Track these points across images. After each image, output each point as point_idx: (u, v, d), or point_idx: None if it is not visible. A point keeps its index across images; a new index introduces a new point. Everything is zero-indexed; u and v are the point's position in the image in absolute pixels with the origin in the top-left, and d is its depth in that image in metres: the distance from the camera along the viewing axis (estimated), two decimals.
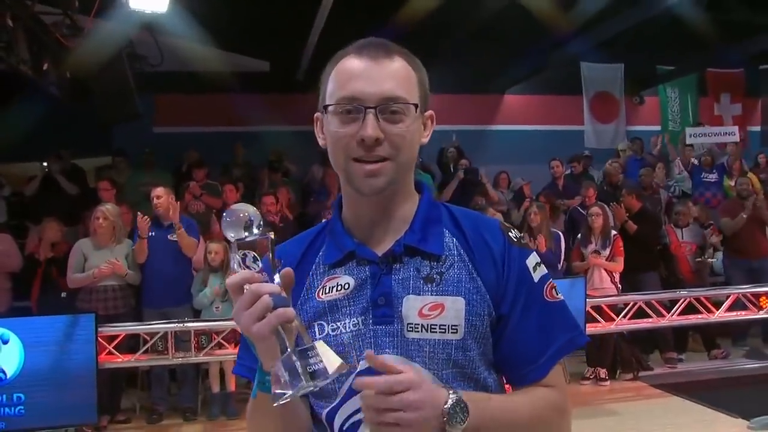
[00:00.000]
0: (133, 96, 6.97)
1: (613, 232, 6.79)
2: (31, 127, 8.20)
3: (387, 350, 1.21)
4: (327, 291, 1.27)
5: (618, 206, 7.13)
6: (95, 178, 8.45)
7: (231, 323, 5.10)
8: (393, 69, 1.23)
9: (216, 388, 5.99)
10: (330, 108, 1.23)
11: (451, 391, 1.12)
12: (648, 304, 6.30)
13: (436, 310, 1.22)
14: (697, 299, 6.34)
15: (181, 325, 5.45)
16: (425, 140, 1.31)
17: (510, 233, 1.31)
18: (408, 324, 1.21)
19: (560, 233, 6.93)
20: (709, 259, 7.69)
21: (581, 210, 7.62)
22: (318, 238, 1.35)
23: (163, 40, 7.28)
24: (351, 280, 1.26)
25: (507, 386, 1.33)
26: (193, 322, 5.55)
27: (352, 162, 1.22)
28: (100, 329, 5.20)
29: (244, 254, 1.09)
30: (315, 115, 1.31)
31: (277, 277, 1.09)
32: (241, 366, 1.35)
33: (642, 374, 6.81)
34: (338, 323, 1.25)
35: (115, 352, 5.37)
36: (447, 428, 1.09)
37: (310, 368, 1.04)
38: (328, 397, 1.25)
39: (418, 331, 1.21)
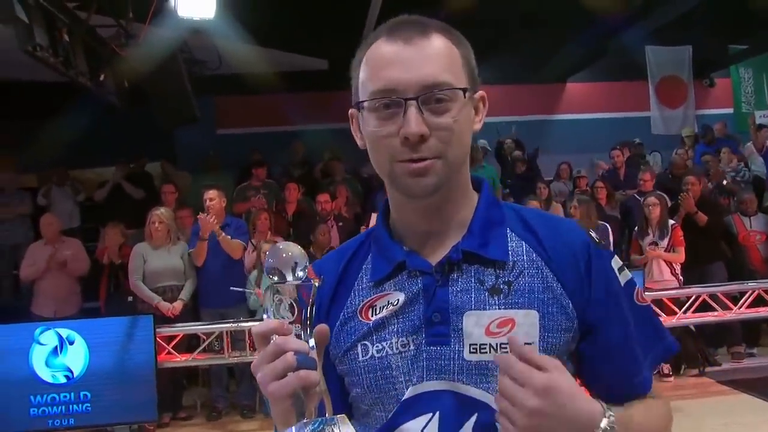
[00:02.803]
0: (191, 100, 7.19)
1: (671, 221, 6.53)
2: (103, 133, 8.57)
3: (441, 376, 1.06)
4: (377, 311, 1.11)
5: (687, 196, 6.79)
6: (160, 182, 8.73)
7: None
8: (432, 49, 1.05)
9: None
10: (365, 104, 1.07)
11: (606, 409, 0.97)
12: (713, 296, 6.05)
13: (505, 327, 1.05)
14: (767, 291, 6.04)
15: (236, 325, 5.58)
16: (478, 126, 1.13)
17: (592, 234, 1.15)
18: (471, 345, 1.05)
19: (606, 225, 6.72)
20: None
21: (638, 197, 7.36)
22: (361, 249, 1.19)
23: (222, 44, 7.46)
24: (401, 296, 1.09)
25: None
26: (247, 321, 5.66)
27: (397, 163, 1.05)
28: (158, 330, 5.40)
29: (280, 300, 0.97)
30: (349, 111, 1.14)
31: (312, 342, 0.97)
32: None
33: (708, 370, 6.53)
34: (384, 343, 1.09)
35: (174, 351, 5.55)
36: None
37: None
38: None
39: (484, 352, 1.05)
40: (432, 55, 1.05)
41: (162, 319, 5.70)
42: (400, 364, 1.08)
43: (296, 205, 7.45)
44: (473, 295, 1.07)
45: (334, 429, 0.93)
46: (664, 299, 6.01)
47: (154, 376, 5.24)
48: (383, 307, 1.10)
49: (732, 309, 6.05)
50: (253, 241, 6.33)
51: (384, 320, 1.10)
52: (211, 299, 6.11)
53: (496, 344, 1.05)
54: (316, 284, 0.97)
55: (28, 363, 5.13)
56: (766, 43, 10.73)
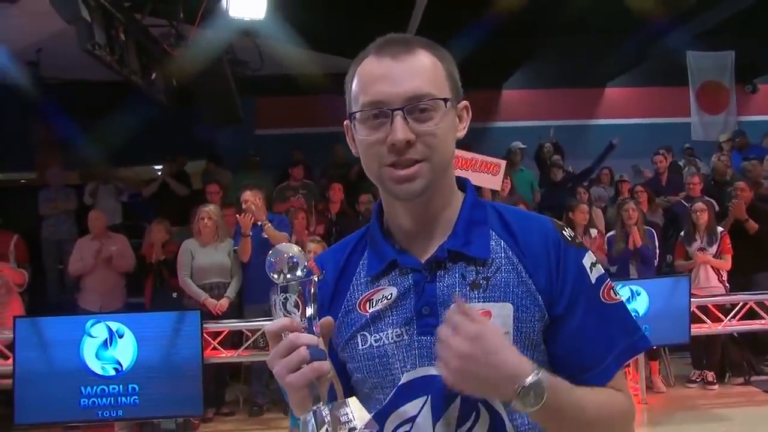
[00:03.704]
0: (235, 100, 7.30)
1: (720, 228, 6.47)
2: (143, 132, 8.70)
3: (433, 362, 1.14)
4: (373, 304, 1.22)
5: (739, 202, 6.68)
6: (202, 181, 8.85)
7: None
8: (416, 64, 1.16)
9: None
10: (356, 115, 1.17)
11: (536, 369, 1.05)
12: (760, 304, 5.97)
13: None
14: None
15: None
16: (461, 133, 1.23)
17: (564, 232, 1.23)
18: None
19: (653, 230, 6.68)
20: None
21: (685, 204, 7.29)
22: (358, 246, 1.30)
23: (263, 45, 7.54)
24: (394, 290, 1.21)
25: None
26: None
27: (386, 168, 1.16)
28: (205, 325, 5.46)
29: (286, 298, 1.05)
30: (344, 123, 1.25)
31: (318, 333, 1.06)
32: None
33: (754, 379, 6.45)
34: (381, 333, 1.20)
35: (219, 347, 5.62)
36: (513, 403, 1.05)
37: (340, 423, 1.01)
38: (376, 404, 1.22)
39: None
40: (417, 70, 1.16)
41: (208, 315, 5.77)
42: (395, 352, 1.19)
43: (339, 205, 7.49)
44: (457, 290, 1.18)
45: (347, 410, 1.02)
46: (710, 306, 5.95)
47: (201, 371, 5.29)
48: (379, 300, 1.22)
49: None
50: (292, 240, 6.38)
51: (380, 313, 1.21)
52: (256, 295, 6.17)
53: None
54: (316, 278, 1.06)
55: (79, 354, 5.21)
56: None
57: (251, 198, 6.10)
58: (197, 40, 6.16)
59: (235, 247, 6.16)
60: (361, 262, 1.27)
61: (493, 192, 6.56)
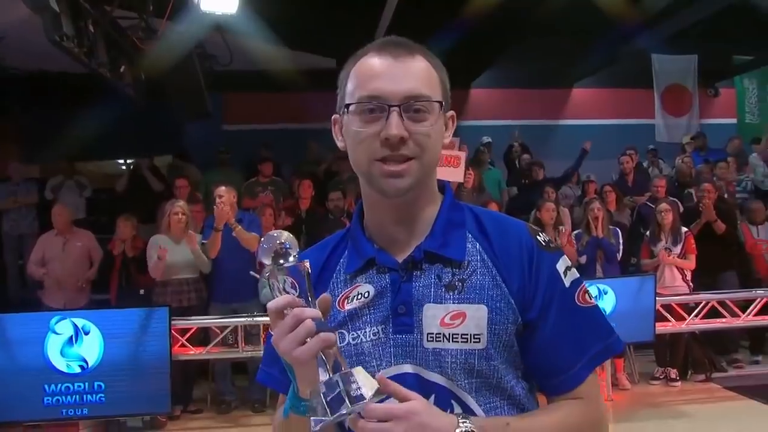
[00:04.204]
0: (204, 95, 7.20)
1: (684, 228, 6.60)
2: (109, 126, 8.53)
3: (407, 360, 1.18)
4: (350, 300, 1.23)
5: (708, 204, 6.83)
6: (168, 176, 8.72)
7: None
8: (415, 67, 1.19)
9: None
10: (351, 107, 1.19)
11: (461, 420, 1.08)
12: (722, 303, 6.12)
13: (457, 319, 1.17)
14: None
15: (251, 319, 5.60)
16: (447, 140, 1.27)
17: (538, 237, 1.25)
18: (428, 334, 1.18)
19: (618, 230, 6.81)
20: None
21: (650, 205, 7.43)
22: (340, 245, 1.31)
23: (232, 40, 7.45)
24: (371, 288, 1.22)
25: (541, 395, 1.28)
26: (262, 316, 5.68)
27: (375, 162, 1.17)
28: (173, 322, 5.40)
29: (284, 280, 1.09)
30: (333, 117, 1.27)
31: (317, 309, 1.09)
32: (267, 375, 1.32)
33: (715, 376, 6.60)
34: (359, 332, 1.21)
35: (188, 344, 5.56)
36: None
37: (351, 393, 1.02)
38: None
39: (439, 341, 1.17)
40: (415, 72, 1.19)
41: (178, 311, 5.70)
42: (372, 350, 1.20)
43: (309, 201, 7.46)
44: (432, 290, 1.19)
45: (356, 378, 1.04)
46: (674, 305, 6.07)
47: (169, 368, 5.24)
48: (355, 297, 1.23)
49: (740, 316, 6.11)
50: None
51: (357, 311, 1.22)
52: (223, 294, 6.13)
53: (449, 334, 1.18)
54: (307, 264, 1.10)
55: (43, 352, 5.11)
56: None
57: (226, 195, 6.06)
58: (167, 33, 6.06)
59: (204, 241, 6.09)
60: (341, 261, 1.29)
61: (459, 186, 6.60)
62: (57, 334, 5.16)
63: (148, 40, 6.02)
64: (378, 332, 1.20)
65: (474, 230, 1.25)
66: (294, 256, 1.09)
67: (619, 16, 8.23)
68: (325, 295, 1.12)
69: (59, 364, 5.13)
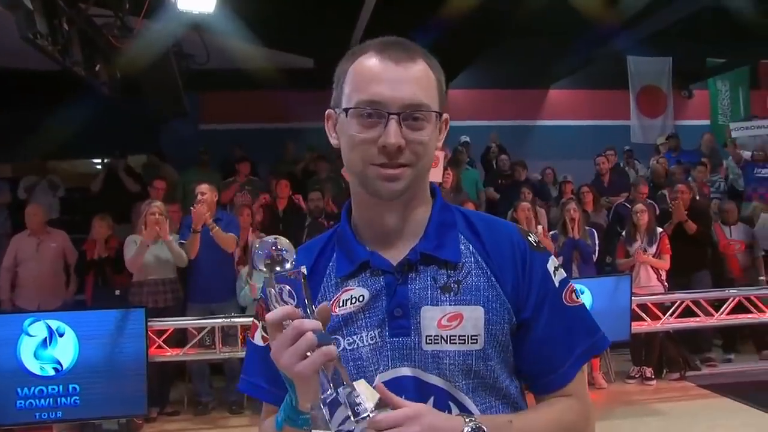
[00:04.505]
0: (181, 94, 7.14)
1: (659, 229, 6.68)
2: (84, 125, 8.43)
3: (405, 363, 1.18)
4: (341, 304, 1.21)
5: (679, 204, 6.91)
6: (143, 176, 8.64)
7: None
8: (415, 73, 1.17)
9: None
10: (350, 111, 1.17)
11: (466, 419, 1.09)
12: (696, 303, 6.19)
13: (454, 321, 1.17)
14: (747, 298, 6.20)
15: (229, 320, 5.56)
16: (440, 144, 1.27)
17: (529, 237, 1.27)
18: (426, 336, 1.17)
19: (594, 230, 6.88)
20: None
21: (627, 205, 7.50)
22: (327, 247, 1.29)
23: (209, 39, 7.39)
24: (365, 292, 1.20)
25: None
26: (239, 317, 5.64)
27: (372, 166, 1.16)
28: (149, 323, 5.33)
29: (281, 288, 1.04)
30: (326, 112, 1.26)
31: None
32: (251, 385, 1.29)
33: (689, 374, 6.69)
34: (354, 336, 1.20)
35: (165, 345, 5.50)
36: None
37: (355, 408, 0.99)
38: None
39: (438, 343, 1.17)
40: (416, 78, 1.17)
41: (154, 312, 5.64)
42: (369, 355, 1.19)
43: (286, 201, 7.43)
44: (429, 293, 1.19)
45: (359, 391, 1.00)
46: (649, 304, 6.14)
47: (145, 370, 5.18)
48: (347, 300, 1.21)
49: (714, 315, 6.20)
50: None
51: (352, 315, 1.20)
52: (201, 294, 6.07)
53: (447, 336, 1.18)
54: (304, 270, 1.05)
55: (15, 354, 5.02)
56: (743, 57, 11.03)
57: (209, 193, 6.01)
58: (144, 32, 5.99)
59: (182, 241, 6.03)
60: (330, 264, 1.26)
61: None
62: (30, 336, 5.07)
63: (124, 39, 5.93)
64: (375, 336, 1.19)
65: (465, 231, 1.25)
66: (291, 262, 1.04)
67: (595, 18, 8.31)
68: (324, 305, 1.10)
69: (33, 366, 5.03)
